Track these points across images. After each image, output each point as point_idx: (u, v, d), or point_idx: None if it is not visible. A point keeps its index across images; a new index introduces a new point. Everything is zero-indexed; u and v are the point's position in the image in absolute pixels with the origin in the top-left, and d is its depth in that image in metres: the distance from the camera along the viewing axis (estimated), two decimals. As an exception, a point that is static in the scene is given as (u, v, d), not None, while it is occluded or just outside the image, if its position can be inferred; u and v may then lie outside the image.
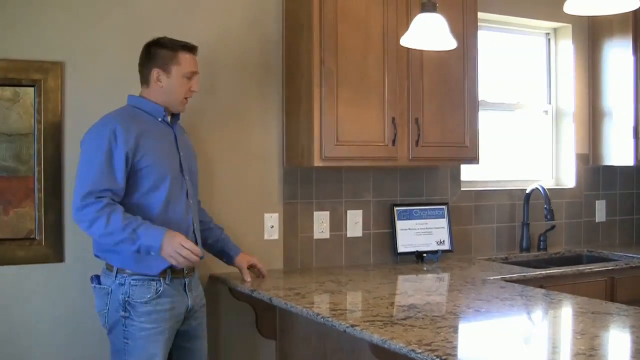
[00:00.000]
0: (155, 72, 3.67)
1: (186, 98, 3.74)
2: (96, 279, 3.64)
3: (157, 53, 3.67)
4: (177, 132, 3.77)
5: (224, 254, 4.16)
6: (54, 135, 3.93)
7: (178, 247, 3.42)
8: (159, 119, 3.69)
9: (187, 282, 3.70)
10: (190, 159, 3.81)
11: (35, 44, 3.92)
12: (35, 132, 3.90)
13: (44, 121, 3.91)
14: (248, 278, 4.14)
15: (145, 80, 3.72)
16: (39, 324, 3.94)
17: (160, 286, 3.56)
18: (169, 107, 3.72)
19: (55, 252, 3.96)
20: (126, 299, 3.52)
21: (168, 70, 3.66)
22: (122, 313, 3.53)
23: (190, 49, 3.72)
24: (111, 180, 3.45)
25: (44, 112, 3.91)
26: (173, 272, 3.60)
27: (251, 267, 4.21)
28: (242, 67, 4.47)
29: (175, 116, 3.80)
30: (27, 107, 3.89)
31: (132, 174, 3.52)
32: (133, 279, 3.54)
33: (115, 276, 3.55)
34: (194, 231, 3.73)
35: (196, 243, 3.70)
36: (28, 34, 3.90)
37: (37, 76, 3.90)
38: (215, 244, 4.13)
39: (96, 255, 3.65)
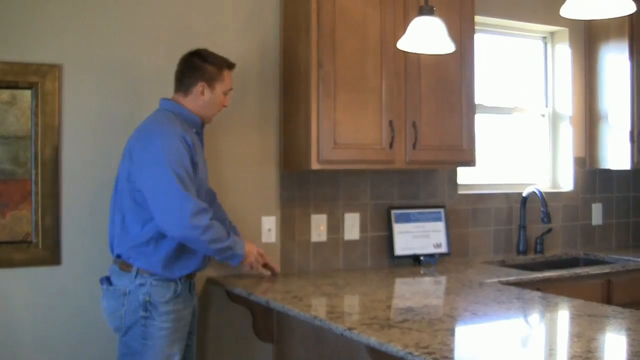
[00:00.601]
0: (200, 86, 3.80)
1: (218, 111, 3.94)
2: (106, 280, 3.67)
3: (204, 68, 3.81)
4: (204, 144, 3.92)
5: None
6: (51, 138, 3.93)
7: (257, 256, 4.00)
8: (194, 130, 3.79)
9: (192, 284, 3.80)
10: (206, 170, 3.93)
11: (32, 46, 3.92)
12: (33, 135, 3.90)
13: (41, 124, 3.90)
14: (267, 272, 4.32)
15: (185, 89, 3.81)
16: (35, 327, 3.94)
17: (178, 287, 3.66)
18: (203, 119, 3.86)
19: (52, 255, 3.96)
20: (147, 299, 3.58)
21: (212, 86, 3.82)
22: (143, 313, 3.57)
23: (232, 66, 3.93)
24: (196, 190, 3.63)
25: (42, 114, 3.90)
26: (188, 275, 3.73)
27: (264, 267, 4.29)
28: (239, 70, 4.45)
29: (203, 129, 3.93)
30: (24, 110, 3.89)
31: None
32: (154, 280, 3.61)
33: (135, 277, 3.59)
34: None
35: None
36: (26, 37, 3.90)
37: (35, 79, 3.90)
38: None
39: (118, 256, 3.65)
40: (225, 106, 3.93)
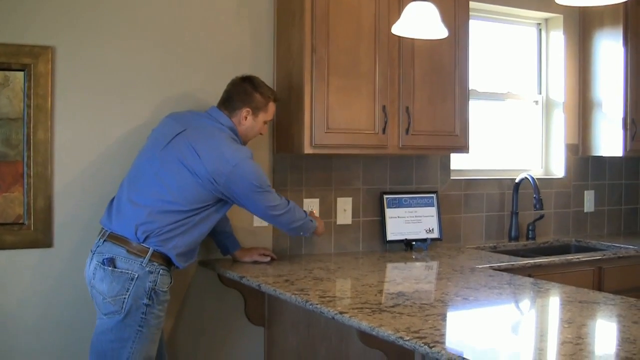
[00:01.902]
0: (245, 112, 3.97)
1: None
2: (109, 262, 3.61)
3: (254, 96, 3.99)
4: None
5: (224, 247, 4.36)
6: (43, 120, 3.92)
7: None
8: None
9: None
10: None
11: (25, 28, 3.90)
12: (25, 117, 3.89)
13: (33, 106, 3.89)
14: (265, 259, 4.40)
15: (231, 109, 3.98)
16: (26, 309, 3.93)
17: (172, 277, 3.76)
18: (242, 138, 4.02)
19: (44, 237, 3.95)
20: (153, 287, 3.61)
21: (256, 114, 4.01)
22: (147, 301, 3.59)
23: (277, 99, 4.15)
24: None
25: (34, 96, 3.89)
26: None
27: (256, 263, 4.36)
28: (232, 54, 4.46)
29: None
30: (16, 92, 3.88)
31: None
32: (162, 268, 3.66)
33: (147, 263, 3.61)
34: None
35: None
36: (19, 18, 3.88)
37: (27, 60, 3.88)
38: (220, 234, 4.33)
39: (140, 240, 3.63)
40: (261, 134, 4.12)
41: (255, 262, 4.31)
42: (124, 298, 3.56)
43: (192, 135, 3.78)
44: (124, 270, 3.59)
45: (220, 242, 4.33)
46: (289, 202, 4.03)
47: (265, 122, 4.05)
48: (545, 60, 6.00)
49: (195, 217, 3.74)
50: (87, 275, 3.70)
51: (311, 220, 4.21)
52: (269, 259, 4.37)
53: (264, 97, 3.99)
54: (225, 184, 3.71)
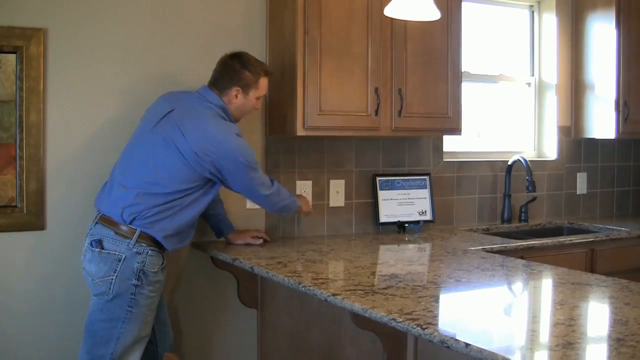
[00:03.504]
0: (234, 90, 3.93)
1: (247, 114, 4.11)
2: (97, 244, 3.63)
3: (242, 74, 3.93)
4: None
5: (218, 230, 4.38)
6: (36, 103, 3.91)
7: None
8: None
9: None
10: None
11: (17, 10, 3.88)
12: (17, 99, 3.87)
13: (25, 88, 3.88)
14: (257, 242, 4.41)
15: (221, 88, 3.94)
16: (19, 291, 3.94)
17: (165, 258, 3.74)
18: (234, 115, 3.98)
19: (36, 219, 3.95)
20: (142, 267, 3.60)
21: (246, 92, 3.95)
22: (135, 281, 3.60)
23: (269, 74, 4.08)
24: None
25: (26, 79, 3.88)
26: None
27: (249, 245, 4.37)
28: (224, 35, 4.45)
29: None
30: (8, 74, 3.86)
31: None
32: (151, 249, 3.65)
33: (134, 244, 3.61)
34: None
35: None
36: (10, 0, 3.87)
37: (19, 43, 3.86)
38: (214, 217, 4.34)
39: (127, 222, 3.64)
40: (256, 109, 4.09)
41: (248, 245, 4.31)
42: (112, 279, 3.58)
43: (179, 115, 3.77)
44: (110, 252, 3.60)
45: (214, 225, 4.34)
46: (273, 181, 4.04)
47: (257, 98, 4.01)
48: (538, 43, 6.00)
49: (183, 199, 3.73)
50: (82, 257, 3.73)
51: (295, 200, 4.22)
52: (261, 241, 4.37)
53: (254, 74, 3.94)
54: (212, 162, 3.70)
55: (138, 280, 3.59)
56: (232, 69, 3.92)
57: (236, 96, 3.91)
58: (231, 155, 3.74)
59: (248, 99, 3.95)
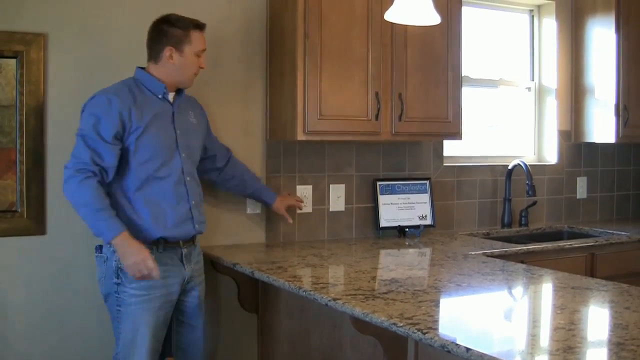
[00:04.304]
0: (167, 51, 3.74)
1: (195, 74, 3.84)
2: (98, 248, 3.68)
3: (169, 32, 3.74)
4: (177, 109, 3.83)
5: (263, 202, 4.53)
6: (36, 108, 3.91)
7: (141, 264, 3.46)
8: (159, 96, 3.76)
9: (184, 253, 3.77)
10: (190, 136, 3.87)
11: (17, 15, 3.89)
12: (18, 104, 3.88)
13: (26, 93, 3.88)
14: (290, 220, 4.57)
15: (155, 56, 3.78)
16: (19, 297, 3.93)
17: (153, 254, 3.59)
18: (179, 84, 3.82)
19: (37, 224, 3.95)
20: (119, 265, 3.57)
21: (181, 49, 3.75)
22: (115, 280, 3.60)
23: (201, 27, 3.83)
24: (96, 154, 3.53)
25: (27, 84, 3.88)
26: (166, 242, 3.69)
27: (289, 208, 4.52)
28: (225, 39, 4.45)
29: (178, 94, 3.87)
30: (9, 79, 3.87)
31: (127, 147, 3.62)
32: None
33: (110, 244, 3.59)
34: (190, 208, 3.79)
35: (200, 220, 3.87)
36: (11, 5, 3.87)
37: (20, 47, 3.87)
38: (254, 195, 4.46)
39: None
40: (202, 68, 3.84)
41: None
42: (103, 281, 3.64)
43: None
44: (102, 255, 3.65)
45: (259, 199, 4.49)
46: (87, 174, 3.50)
47: (197, 55, 3.78)
48: (538, 47, 6.00)
49: (113, 188, 3.65)
50: None
51: (103, 231, 3.51)
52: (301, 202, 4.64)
53: (183, 29, 3.74)
54: None
55: (118, 278, 3.59)
56: (160, 31, 3.75)
57: (171, 56, 3.73)
58: (82, 115, 3.64)
59: (185, 57, 3.74)
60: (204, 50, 3.82)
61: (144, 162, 3.63)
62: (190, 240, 3.82)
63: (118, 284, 3.60)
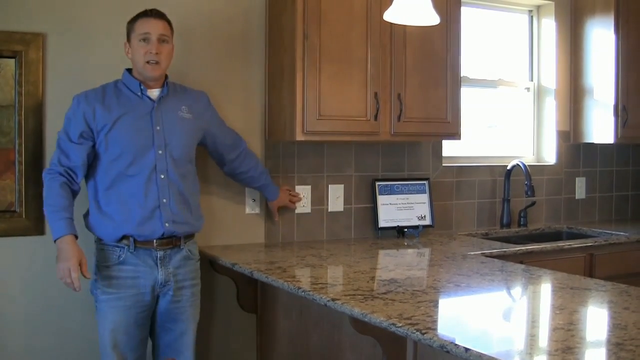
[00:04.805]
0: (125, 47, 3.77)
1: (149, 62, 3.69)
2: None
3: (126, 28, 3.76)
4: (160, 105, 3.78)
5: (265, 197, 4.58)
6: (35, 108, 3.91)
7: (66, 271, 3.45)
8: (138, 94, 3.74)
9: (159, 255, 3.73)
10: (174, 131, 3.79)
11: (16, 14, 3.88)
12: (16, 104, 3.88)
13: (25, 93, 3.88)
14: (275, 218, 4.64)
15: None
16: (18, 296, 3.94)
17: (123, 253, 3.65)
18: (141, 76, 3.75)
19: (35, 224, 3.95)
20: (97, 262, 3.68)
21: (130, 40, 3.74)
22: (94, 276, 3.68)
23: (147, 13, 3.73)
24: (64, 154, 3.65)
25: (25, 84, 3.88)
26: (137, 242, 3.68)
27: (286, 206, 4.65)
28: (224, 40, 4.45)
29: (164, 89, 3.81)
30: (7, 79, 3.87)
31: (98, 145, 3.68)
32: (100, 244, 3.70)
33: (95, 240, 3.73)
34: (159, 206, 3.72)
35: (173, 219, 3.76)
36: (10, 5, 3.87)
37: (18, 47, 3.87)
38: (259, 189, 4.50)
39: None
40: (151, 53, 3.67)
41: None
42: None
43: None
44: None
45: (262, 194, 4.54)
46: (52, 175, 3.63)
47: (141, 39, 3.66)
48: (537, 48, 6.00)
49: (88, 186, 3.75)
50: None
51: (56, 228, 3.54)
52: (300, 199, 4.69)
53: (131, 21, 3.72)
54: None
55: (96, 274, 3.67)
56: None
57: (127, 52, 3.74)
58: None
59: (134, 46, 3.69)
60: (147, 33, 3.68)
61: (114, 159, 3.66)
62: (167, 241, 3.75)
63: (95, 280, 3.68)
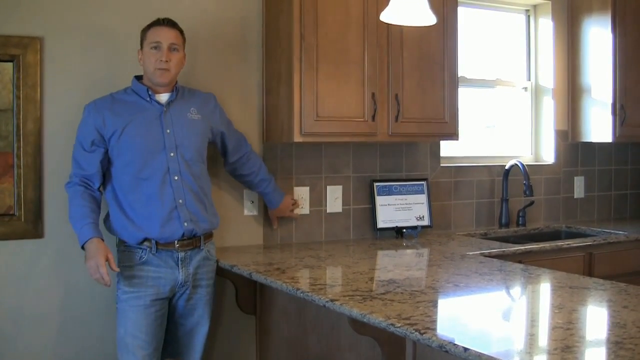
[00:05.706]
0: (139, 54, 3.84)
1: (159, 69, 3.77)
2: None
3: (140, 36, 3.84)
4: (170, 108, 3.84)
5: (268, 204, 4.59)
6: (33, 111, 3.91)
7: (94, 268, 3.52)
8: (146, 99, 3.80)
9: (180, 256, 3.80)
10: (186, 133, 3.86)
11: (14, 18, 3.88)
12: (14, 108, 3.88)
13: (23, 97, 3.88)
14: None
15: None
16: (17, 299, 3.93)
17: (145, 254, 3.74)
18: (151, 82, 3.82)
19: (34, 228, 3.95)
20: (118, 264, 3.70)
21: (142, 47, 3.82)
22: (117, 277, 3.73)
23: (159, 22, 3.82)
24: (78, 163, 3.78)
25: (23, 87, 3.88)
26: (159, 244, 3.74)
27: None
28: (221, 42, 4.46)
29: (173, 94, 3.88)
30: (5, 83, 3.87)
31: (110, 151, 3.76)
32: (123, 246, 3.78)
33: (117, 242, 3.83)
34: (176, 207, 3.78)
35: (191, 218, 3.84)
36: (6, 9, 3.87)
37: (16, 51, 3.87)
38: (261, 194, 4.51)
39: None
40: (162, 60, 3.74)
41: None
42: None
43: None
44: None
45: (266, 201, 4.55)
46: (72, 183, 3.78)
47: (152, 47, 3.75)
48: (534, 47, 6.01)
49: (107, 192, 3.84)
50: None
51: (81, 237, 3.63)
52: (299, 208, 4.73)
53: (144, 29, 3.83)
54: None
55: (118, 276, 3.72)
56: None
57: (140, 59, 3.83)
58: None
59: (145, 53, 3.78)
60: (158, 42, 3.76)
61: (126, 164, 3.74)
62: (188, 242, 3.83)
63: (118, 281, 3.74)
